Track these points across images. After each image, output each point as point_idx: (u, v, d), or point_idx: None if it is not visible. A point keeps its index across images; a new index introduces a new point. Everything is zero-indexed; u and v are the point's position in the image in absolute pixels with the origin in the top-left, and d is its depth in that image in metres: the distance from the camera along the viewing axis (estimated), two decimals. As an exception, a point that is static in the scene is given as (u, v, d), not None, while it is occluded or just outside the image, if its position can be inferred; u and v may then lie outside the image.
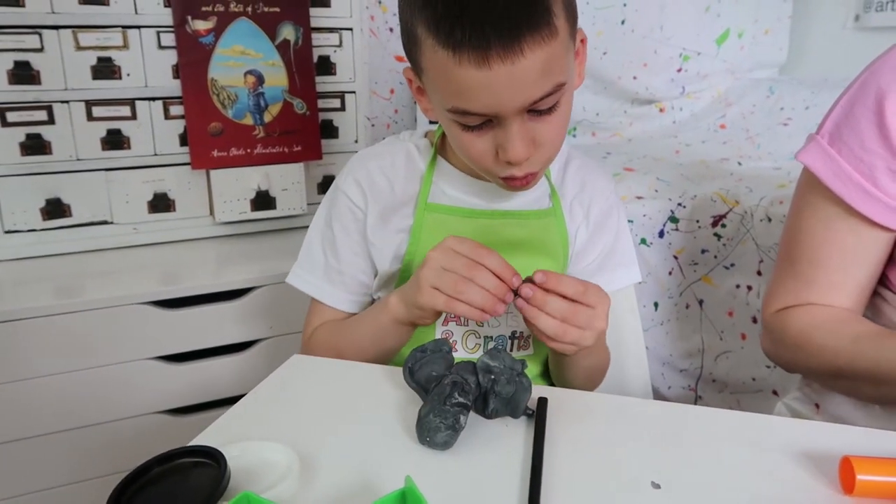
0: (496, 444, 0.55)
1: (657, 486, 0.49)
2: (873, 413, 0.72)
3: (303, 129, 1.40)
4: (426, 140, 0.83)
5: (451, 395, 0.54)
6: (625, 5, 1.90)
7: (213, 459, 0.49)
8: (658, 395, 1.45)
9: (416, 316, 0.69)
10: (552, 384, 0.84)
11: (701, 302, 1.39)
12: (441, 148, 0.81)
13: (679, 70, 1.99)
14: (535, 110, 0.64)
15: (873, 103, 0.67)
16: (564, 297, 0.62)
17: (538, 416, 0.57)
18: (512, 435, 0.56)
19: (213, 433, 0.56)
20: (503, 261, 0.63)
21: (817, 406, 0.78)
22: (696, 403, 1.45)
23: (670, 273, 1.41)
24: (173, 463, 0.50)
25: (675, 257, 1.40)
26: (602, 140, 1.96)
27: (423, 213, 0.77)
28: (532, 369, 0.83)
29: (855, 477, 0.47)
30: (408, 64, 0.70)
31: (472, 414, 0.58)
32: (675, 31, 1.95)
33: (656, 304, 1.43)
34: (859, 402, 0.73)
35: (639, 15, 1.92)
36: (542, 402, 0.60)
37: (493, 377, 0.56)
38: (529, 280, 0.63)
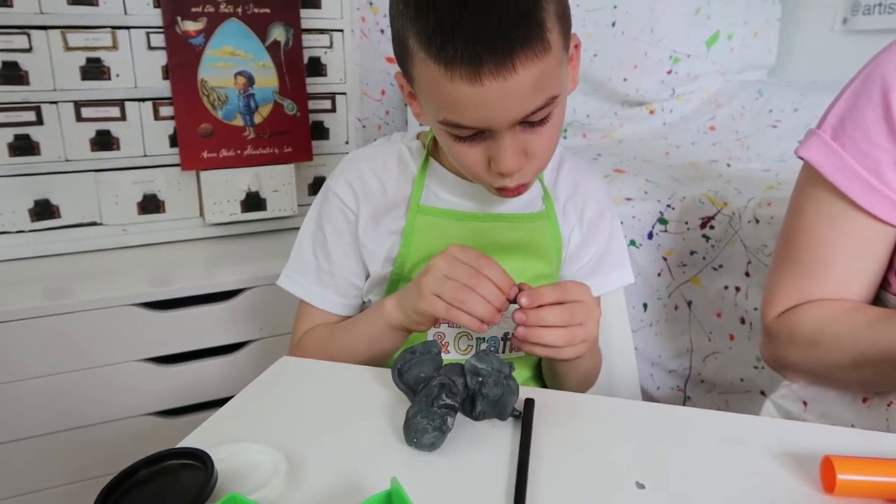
0: (483, 446, 0.55)
1: (641, 487, 0.50)
2: (860, 410, 0.72)
3: (293, 131, 1.40)
4: (418, 142, 0.83)
5: (439, 396, 0.55)
6: (615, 7, 1.91)
7: (200, 461, 0.49)
8: (647, 396, 1.46)
9: (413, 322, 0.69)
10: (544, 386, 0.85)
11: (689, 303, 1.40)
12: (433, 150, 0.81)
13: (669, 72, 2.00)
14: (527, 122, 0.64)
15: (879, 96, 0.66)
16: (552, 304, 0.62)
17: (525, 417, 0.58)
18: (499, 436, 0.57)
19: (200, 435, 0.56)
20: (503, 271, 0.63)
21: (805, 403, 0.78)
22: (684, 404, 1.45)
23: (659, 274, 1.42)
24: (160, 465, 0.50)
25: (664, 259, 1.41)
26: (592, 141, 1.96)
27: (415, 216, 0.77)
28: (523, 372, 0.83)
29: (836, 476, 0.48)
30: (399, 68, 0.70)
31: (459, 415, 0.58)
32: (666, 33, 1.96)
33: (645, 306, 1.44)
34: (846, 399, 0.73)
35: (629, 17, 1.93)
36: (529, 403, 0.60)
37: (480, 379, 0.57)
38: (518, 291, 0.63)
